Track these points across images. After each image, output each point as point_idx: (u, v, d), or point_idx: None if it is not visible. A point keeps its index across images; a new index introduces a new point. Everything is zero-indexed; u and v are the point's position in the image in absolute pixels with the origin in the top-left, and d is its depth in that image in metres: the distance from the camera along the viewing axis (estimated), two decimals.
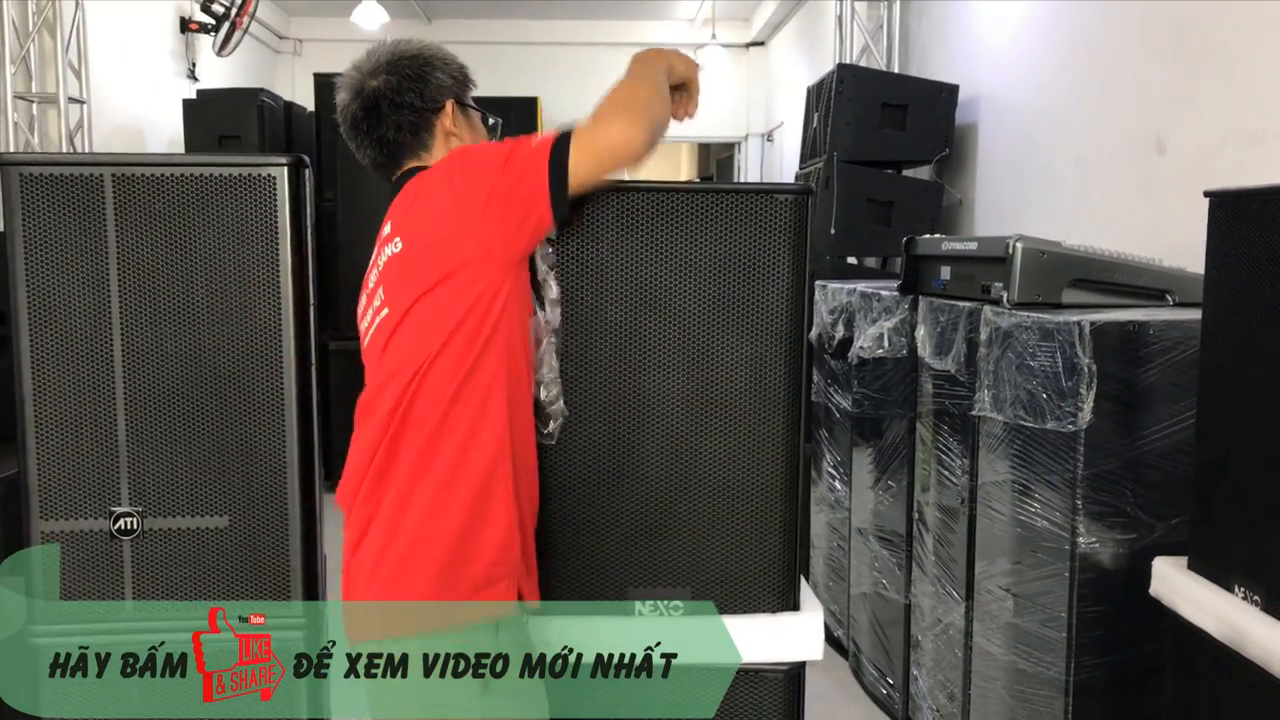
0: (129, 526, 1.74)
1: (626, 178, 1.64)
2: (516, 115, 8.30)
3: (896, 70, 5.13)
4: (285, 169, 1.71)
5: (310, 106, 6.84)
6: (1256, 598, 1.77)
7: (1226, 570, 1.86)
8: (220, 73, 7.06)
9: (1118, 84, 3.23)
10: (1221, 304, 1.90)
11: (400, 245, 1.55)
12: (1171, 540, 2.14)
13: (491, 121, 1.79)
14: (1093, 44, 3.41)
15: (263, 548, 1.78)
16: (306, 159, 1.76)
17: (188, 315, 1.72)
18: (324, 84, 6.78)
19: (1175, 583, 1.97)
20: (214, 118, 5.68)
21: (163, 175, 1.69)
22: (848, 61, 5.11)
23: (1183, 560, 2.00)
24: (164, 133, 6.15)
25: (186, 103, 5.77)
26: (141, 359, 1.71)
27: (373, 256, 1.62)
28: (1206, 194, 1.91)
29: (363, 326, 1.61)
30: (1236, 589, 1.82)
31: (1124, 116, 3.17)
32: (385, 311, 1.54)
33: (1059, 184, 3.65)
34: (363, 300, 1.62)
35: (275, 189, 1.71)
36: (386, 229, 1.61)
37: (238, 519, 1.77)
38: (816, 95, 4.57)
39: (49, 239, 1.68)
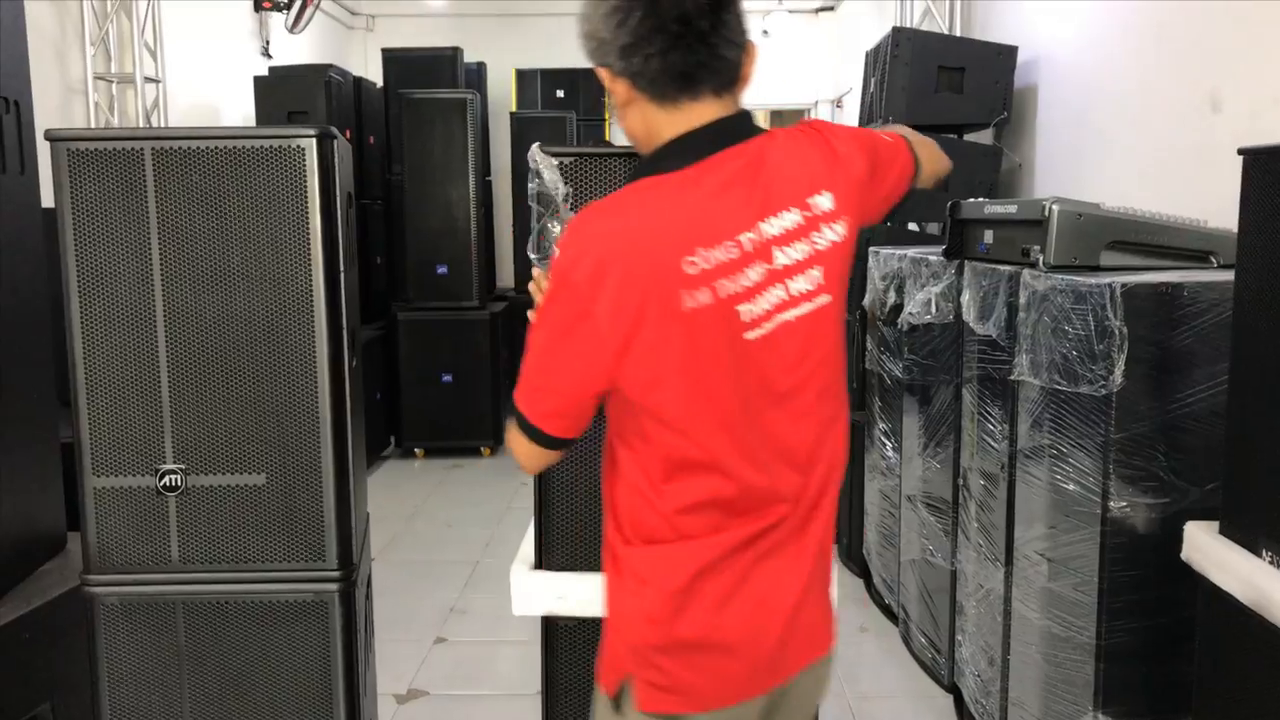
0: (174, 483, 1.84)
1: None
2: (584, 85, 8.36)
3: (959, 33, 5.03)
4: (314, 140, 1.77)
5: (380, 82, 6.98)
6: None
7: (1254, 534, 1.84)
8: (294, 50, 7.22)
9: (1175, 42, 3.14)
10: (1256, 264, 1.86)
11: (844, 232, 1.39)
12: (1205, 505, 2.11)
13: None
14: (1150, 1, 3.32)
15: (299, 504, 1.86)
16: (335, 130, 1.82)
17: (225, 281, 1.80)
18: (392, 59, 6.91)
19: (1206, 547, 1.95)
20: (284, 94, 5.82)
21: (198, 148, 1.77)
22: (909, 24, 5.03)
23: (1215, 525, 1.97)
24: (237, 110, 6.33)
25: (257, 79, 5.92)
26: (182, 323, 1.80)
27: (782, 228, 1.34)
28: (1241, 151, 1.87)
29: (749, 306, 1.32)
30: (1264, 553, 1.80)
31: (1180, 75, 3.08)
32: (827, 299, 1.37)
33: (1116, 146, 3.56)
34: (754, 273, 1.32)
35: (304, 159, 1.77)
36: (826, 203, 1.38)
37: (275, 476, 1.85)
38: (874, 60, 4.52)
39: (95, 211, 1.77)
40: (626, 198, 1.32)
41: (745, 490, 1.35)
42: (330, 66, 6.07)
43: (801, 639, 1.45)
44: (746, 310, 1.30)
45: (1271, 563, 1.77)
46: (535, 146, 1.75)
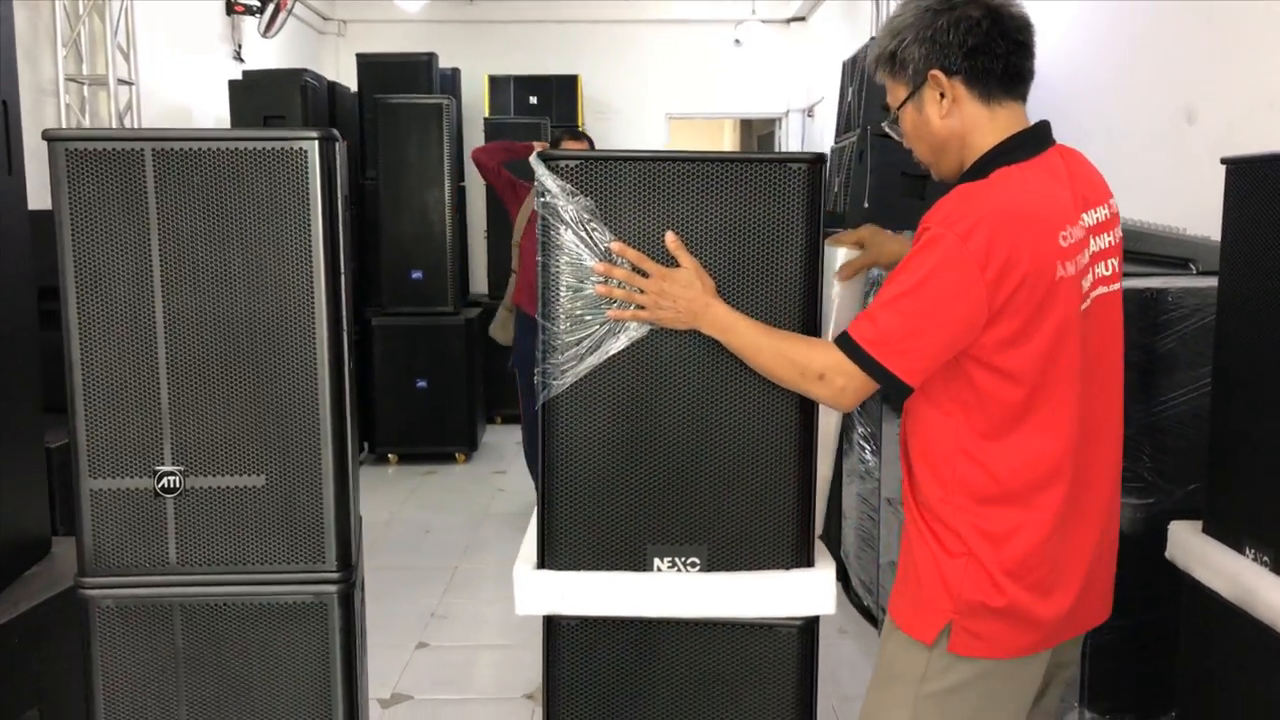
0: (171, 485, 1.83)
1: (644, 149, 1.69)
2: (558, 92, 8.38)
3: None
4: (316, 142, 1.77)
5: (353, 87, 6.95)
6: (1266, 559, 1.80)
7: (1238, 533, 1.89)
8: (266, 54, 7.18)
9: (1149, 55, 3.21)
10: (1238, 270, 1.92)
11: (1121, 234, 1.67)
12: (1188, 506, 2.16)
13: None
14: (1124, 15, 3.39)
15: (298, 506, 1.86)
16: (336, 133, 1.82)
17: (225, 283, 1.79)
18: (367, 64, 6.89)
19: (1190, 545, 2.00)
20: (259, 98, 5.80)
21: (200, 149, 1.77)
22: None
23: (1198, 524, 2.02)
24: (210, 113, 6.28)
25: (232, 83, 5.89)
26: (182, 325, 1.79)
27: (1095, 219, 1.60)
28: (1224, 161, 1.93)
29: (1084, 281, 1.56)
30: (1247, 550, 1.85)
31: (1155, 87, 3.16)
32: (1119, 287, 1.63)
33: (1094, 156, 3.59)
34: (1080, 249, 1.54)
35: (307, 161, 1.77)
36: (1116, 207, 1.67)
37: (274, 478, 1.85)
38: (851, 69, 4.58)
39: (93, 212, 1.76)
40: (1002, 181, 1.53)
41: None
42: (305, 71, 6.04)
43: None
44: (1083, 284, 1.55)
45: (1256, 560, 1.82)
46: (534, 155, 1.74)
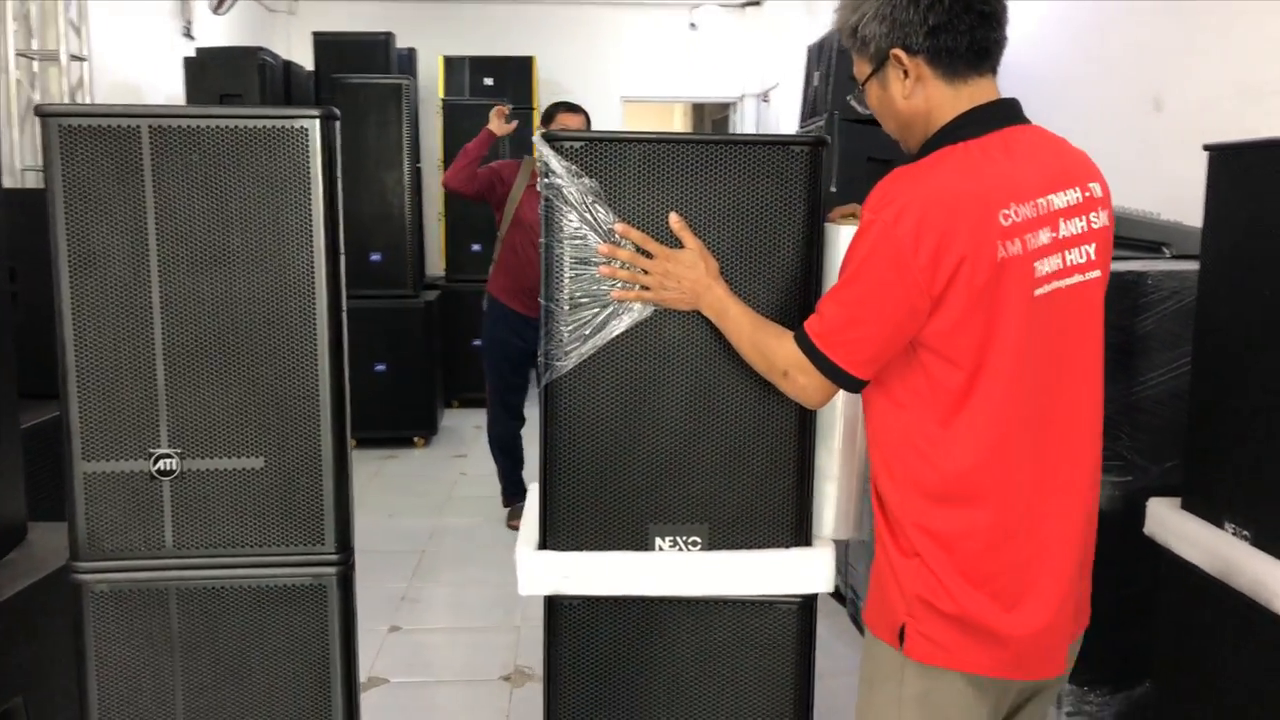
0: (168, 468, 1.81)
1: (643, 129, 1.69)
2: (513, 74, 8.32)
3: None
4: (318, 121, 1.75)
5: (308, 65, 6.85)
6: (1247, 534, 1.86)
7: (1218, 509, 1.95)
8: (216, 32, 7.03)
9: (1118, 42, 3.28)
10: (1219, 254, 1.97)
11: (1108, 221, 1.55)
12: (1164, 483, 2.23)
13: None
14: (1094, 4, 3.46)
15: (297, 488, 1.85)
16: (337, 111, 1.81)
17: (224, 263, 1.77)
18: (324, 43, 6.78)
19: (1169, 522, 2.06)
20: (215, 76, 5.70)
21: (198, 127, 1.74)
22: None
23: (1176, 501, 2.09)
24: (163, 90, 6.15)
25: (188, 60, 5.78)
26: (179, 305, 1.77)
27: (1066, 202, 1.48)
28: (1206, 148, 1.98)
29: (1041, 263, 1.45)
30: (1227, 526, 1.91)
31: (1124, 74, 3.23)
32: (1096, 274, 1.52)
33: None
34: (1045, 236, 1.45)
35: (308, 140, 1.76)
36: (1098, 190, 1.54)
37: (273, 460, 1.83)
38: (818, 54, 4.61)
39: (88, 190, 1.73)
40: (937, 162, 1.47)
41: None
42: (261, 49, 5.94)
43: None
44: (1039, 267, 1.45)
45: (1236, 535, 1.89)
46: (539, 136, 1.74)
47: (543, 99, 8.58)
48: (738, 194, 1.73)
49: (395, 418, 6.31)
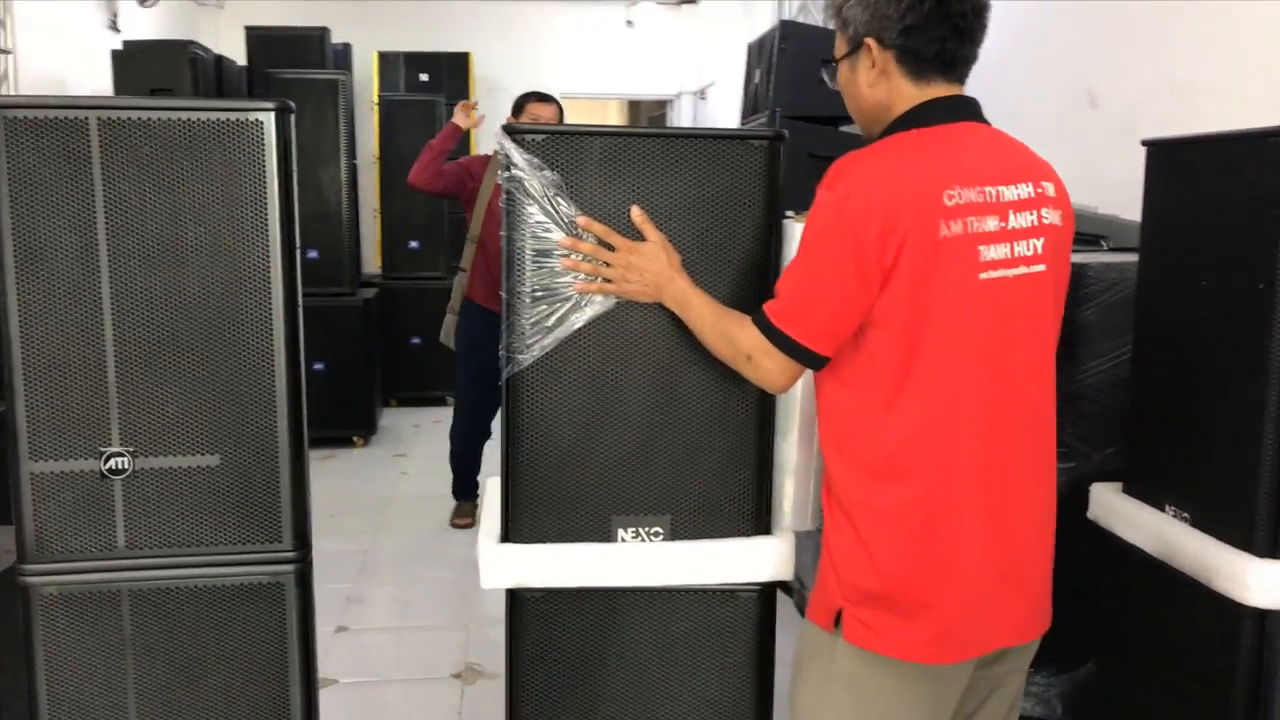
0: (120, 466, 1.77)
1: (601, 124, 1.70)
2: (448, 70, 8.26)
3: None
4: (273, 114, 1.73)
5: (238, 60, 6.72)
6: (1186, 515, 1.93)
7: (1159, 492, 2.02)
8: (142, 25, 6.87)
9: (1052, 40, 3.37)
10: (1157, 246, 2.04)
11: (1062, 221, 1.57)
12: (1105, 469, 2.30)
13: None
14: (1028, 3, 3.54)
15: (253, 486, 1.82)
16: (292, 105, 1.78)
17: (176, 258, 1.74)
18: (256, 37, 6.66)
19: (1112, 505, 2.12)
20: (144, 69, 5.55)
21: (149, 119, 1.71)
22: (787, 18, 5.19)
23: (1118, 485, 2.15)
24: (89, 84, 5.99)
25: (115, 53, 5.63)
26: (130, 300, 1.73)
27: (1017, 195, 1.52)
28: (1144, 143, 2.05)
29: (985, 248, 1.48)
30: (1168, 508, 1.98)
31: (1058, 72, 3.32)
32: (1042, 269, 1.53)
33: None
34: (992, 223, 1.49)
35: (263, 133, 1.74)
36: (1051, 189, 1.57)
37: (229, 457, 1.81)
38: (758, 52, 4.65)
39: (34, 183, 1.68)
40: (889, 145, 1.52)
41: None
42: (192, 42, 5.82)
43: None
44: (984, 252, 1.47)
45: (1176, 517, 1.95)
46: (500, 129, 1.74)
47: (479, 96, 8.53)
48: (698, 187, 1.75)
49: (334, 417, 6.20)
